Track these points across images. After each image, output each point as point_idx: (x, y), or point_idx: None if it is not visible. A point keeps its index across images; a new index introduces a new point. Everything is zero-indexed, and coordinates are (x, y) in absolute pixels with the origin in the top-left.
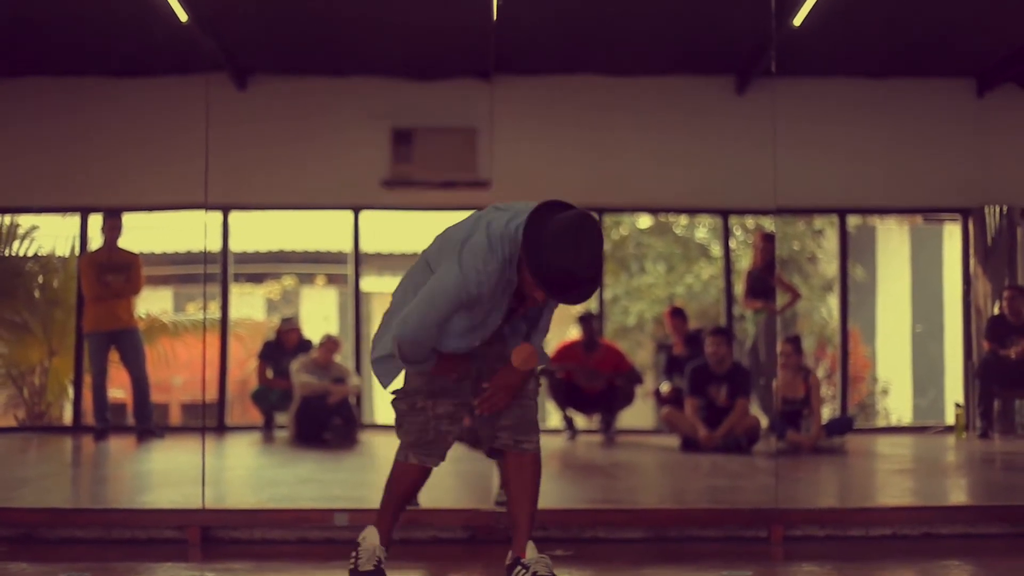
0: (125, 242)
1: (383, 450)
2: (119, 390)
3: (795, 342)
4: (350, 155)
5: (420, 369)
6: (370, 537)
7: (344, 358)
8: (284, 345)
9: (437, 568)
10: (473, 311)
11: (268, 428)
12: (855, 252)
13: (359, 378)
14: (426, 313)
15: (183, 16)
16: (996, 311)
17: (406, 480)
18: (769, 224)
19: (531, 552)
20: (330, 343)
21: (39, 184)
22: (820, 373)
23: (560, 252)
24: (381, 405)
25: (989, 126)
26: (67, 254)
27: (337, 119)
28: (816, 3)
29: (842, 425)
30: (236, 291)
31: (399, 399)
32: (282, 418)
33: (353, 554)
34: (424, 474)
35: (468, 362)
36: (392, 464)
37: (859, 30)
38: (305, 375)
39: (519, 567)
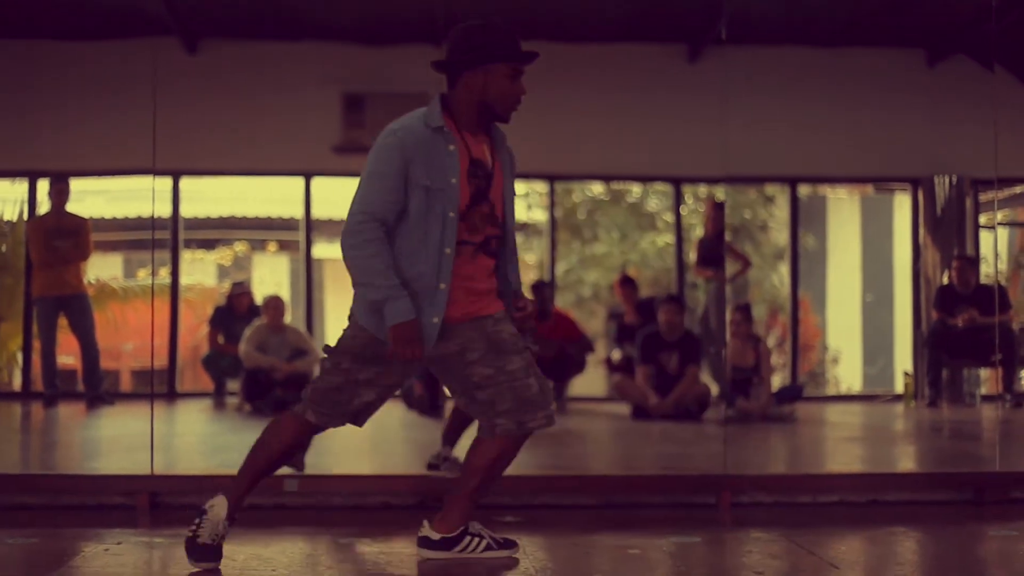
0: (74, 207)
1: None
2: (69, 356)
3: (745, 310)
4: (301, 120)
5: (370, 292)
6: (218, 507)
7: (294, 323)
8: (235, 310)
9: (387, 533)
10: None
11: (219, 394)
12: (806, 221)
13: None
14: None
15: None
16: (945, 281)
17: (287, 436)
18: (720, 192)
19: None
20: (274, 302)
21: None
22: (770, 341)
23: (480, 26)
24: None
25: (939, 97)
26: (15, 219)
27: (288, 84)
28: None
29: (792, 393)
30: (187, 257)
31: (327, 356)
32: (233, 384)
33: (196, 522)
34: (307, 435)
35: (420, 344)
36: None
37: None
38: (254, 352)
39: (470, 536)
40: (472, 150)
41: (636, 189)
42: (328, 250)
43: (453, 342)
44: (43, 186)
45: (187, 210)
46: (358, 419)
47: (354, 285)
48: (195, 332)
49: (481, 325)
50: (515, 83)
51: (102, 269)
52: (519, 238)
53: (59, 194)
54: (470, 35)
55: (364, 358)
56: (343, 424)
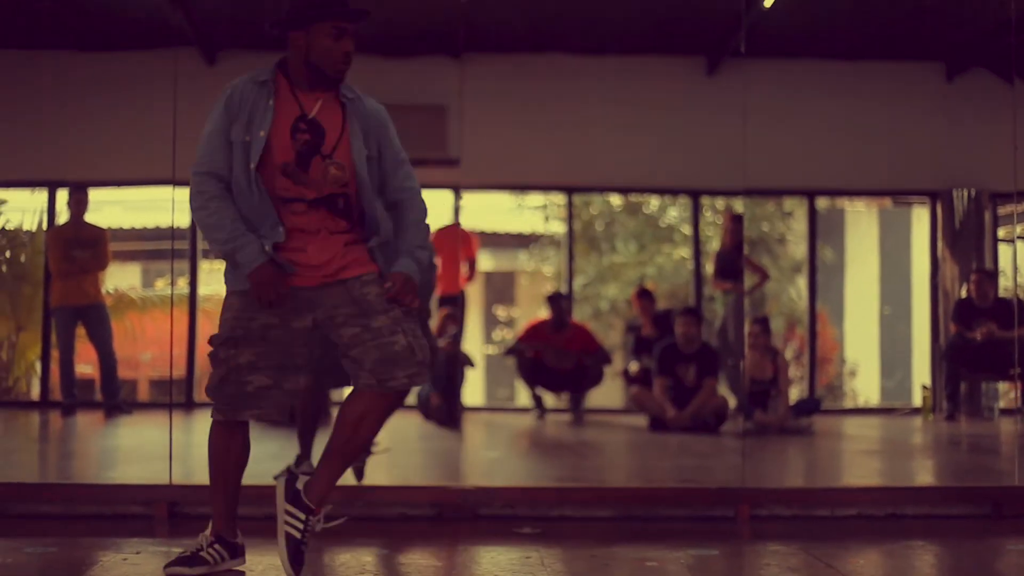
0: (94, 217)
1: None
2: (87, 366)
3: (763, 323)
4: None
5: (218, 247)
6: (206, 532)
7: None
8: None
9: (404, 545)
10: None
11: None
12: (824, 234)
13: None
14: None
15: None
16: (963, 294)
17: (217, 443)
18: (738, 205)
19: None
20: None
21: (6, 158)
22: (788, 354)
23: None
24: None
25: (958, 110)
26: (34, 228)
27: None
28: None
29: (809, 406)
30: (205, 267)
31: (211, 349)
32: None
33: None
34: (233, 435)
35: (282, 279)
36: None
37: (829, 12)
38: None
39: (313, 516)
40: (304, 107)
41: (654, 201)
42: None
43: (322, 309)
44: (62, 196)
45: None
46: (262, 409)
47: (209, 245)
48: None
49: (347, 288)
50: (338, 42)
51: (120, 279)
52: (534, 248)
53: (78, 204)
54: None
55: (235, 340)
56: (254, 417)
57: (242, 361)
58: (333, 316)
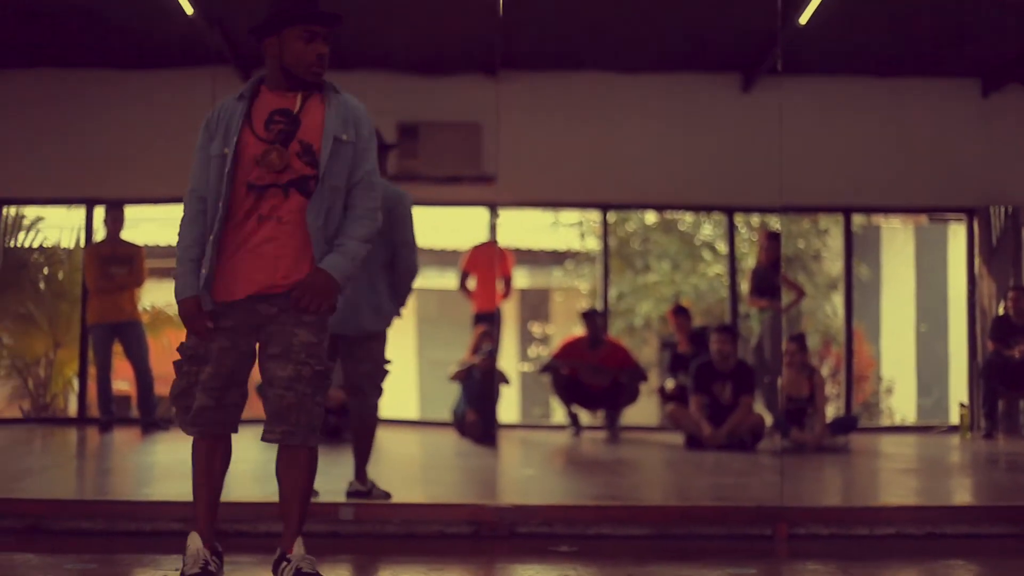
0: (130, 234)
1: (389, 444)
2: (124, 382)
3: (800, 340)
4: None
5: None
6: (191, 541)
7: None
8: None
9: (441, 562)
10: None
11: None
12: (860, 251)
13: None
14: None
15: (189, 9)
16: (1001, 311)
17: (196, 454)
18: (774, 222)
19: (298, 548)
20: None
21: (45, 175)
22: (824, 372)
23: None
24: (388, 399)
25: (994, 126)
26: (72, 246)
27: None
28: (822, 1)
29: (846, 424)
30: None
31: (178, 358)
32: None
33: (183, 562)
34: (205, 445)
35: (202, 316)
36: None
37: (865, 29)
38: None
39: (284, 562)
40: (276, 104)
41: (688, 218)
42: None
43: (260, 335)
44: (99, 213)
45: None
46: (199, 426)
47: None
48: None
49: (283, 322)
50: (310, 45)
51: (157, 296)
52: (569, 264)
53: (114, 221)
54: (270, 3)
55: (199, 358)
56: (196, 434)
57: (201, 378)
58: (264, 347)
